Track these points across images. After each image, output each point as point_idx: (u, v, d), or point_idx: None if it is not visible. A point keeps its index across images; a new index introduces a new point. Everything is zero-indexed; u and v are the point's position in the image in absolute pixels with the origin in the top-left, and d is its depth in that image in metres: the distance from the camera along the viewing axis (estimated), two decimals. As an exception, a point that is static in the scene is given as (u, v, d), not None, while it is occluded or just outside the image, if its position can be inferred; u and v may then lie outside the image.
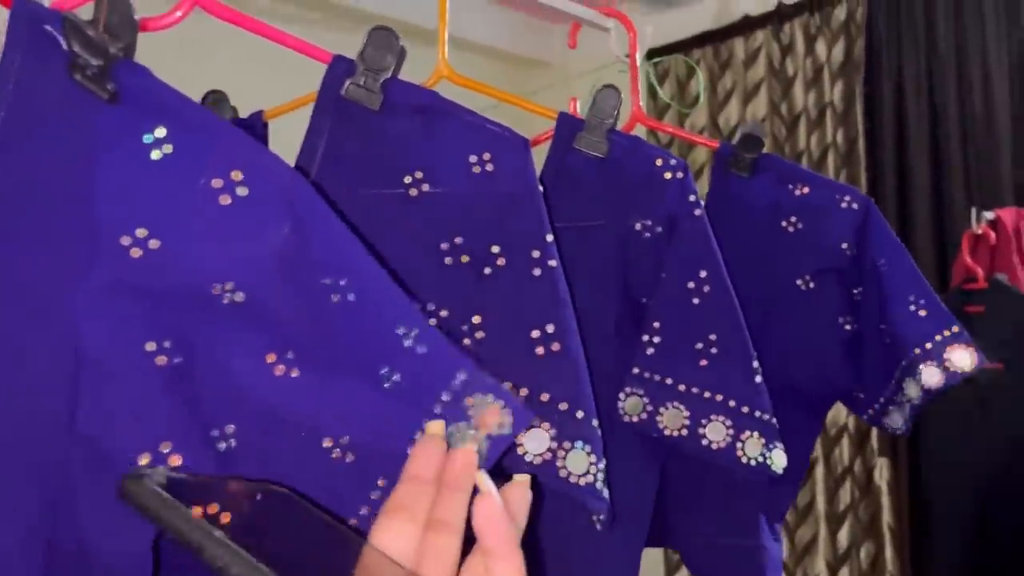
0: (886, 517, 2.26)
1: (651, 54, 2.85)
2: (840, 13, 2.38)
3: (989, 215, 1.55)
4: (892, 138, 2.30)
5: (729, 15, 2.64)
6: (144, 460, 0.41)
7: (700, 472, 0.75)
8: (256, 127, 0.78)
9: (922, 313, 0.82)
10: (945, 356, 0.80)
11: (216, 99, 0.77)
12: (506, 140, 0.55)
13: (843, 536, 2.33)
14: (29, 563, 0.42)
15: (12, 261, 0.43)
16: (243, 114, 0.75)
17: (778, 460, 0.66)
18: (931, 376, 0.80)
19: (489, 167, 0.53)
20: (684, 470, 0.77)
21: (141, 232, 0.42)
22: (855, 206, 0.84)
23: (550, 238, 0.53)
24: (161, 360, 0.42)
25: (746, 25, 2.58)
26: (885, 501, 2.26)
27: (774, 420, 0.67)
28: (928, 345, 0.81)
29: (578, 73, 3.19)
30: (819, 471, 2.38)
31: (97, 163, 0.43)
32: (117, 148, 0.43)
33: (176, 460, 0.41)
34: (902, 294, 0.82)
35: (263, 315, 0.42)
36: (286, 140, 0.61)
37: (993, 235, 1.53)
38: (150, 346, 0.42)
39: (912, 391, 0.82)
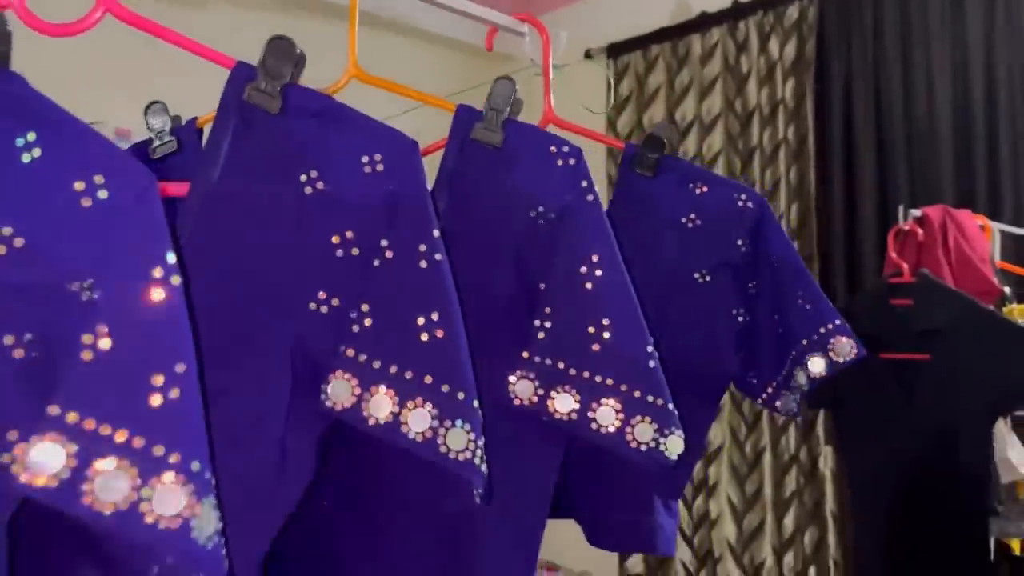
0: (829, 504, 2.34)
1: (612, 50, 2.91)
2: (793, 12, 2.43)
3: (916, 212, 1.61)
4: (840, 135, 2.36)
5: (687, 12, 2.69)
6: None
7: (597, 452, 0.77)
8: (191, 131, 0.83)
9: (808, 307, 0.89)
10: (829, 346, 0.88)
11: (157, 108, 0.82)
12: (396, 142, 0.59)
13: (788, 521, 2.41)
14: None
15: None
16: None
17: (673, 447, 0.66)
18: (816, 365, 0.88)
19: (380, 167, 0.57)
20: (583, 450, 0.79)
21: (7, 230, 0.45)
22: (751, 205, 0.89)
23: (436, 233, 0.57)
24: (17, 353, 0.45)
25: (703, 22, 2.64)
26: (828, 488, 2.34)
27: (670, 406, 0.67)
28: (815, 336, 0.88)
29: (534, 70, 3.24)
30: (767, 459, 2.45)
31: None
32: None
33: (19, 450, 0.43)
34: (792, 289, 0.89)
35: (100, 310, 0.44)
36: None
37: (920, 231, 1.59)
38: (8, 339, 0.45)
39: (801, 378, 0.89)
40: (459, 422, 0.56)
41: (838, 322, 0.90)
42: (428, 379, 0.56)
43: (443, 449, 0.56)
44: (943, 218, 1.58)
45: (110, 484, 0.42)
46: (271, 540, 0.58)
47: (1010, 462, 1.56)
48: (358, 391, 0.56)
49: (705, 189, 0.89)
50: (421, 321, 0.56)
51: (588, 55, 2.89)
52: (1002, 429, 1.60)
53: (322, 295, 0.57)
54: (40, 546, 0.49)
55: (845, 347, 0.89)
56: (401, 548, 0.69)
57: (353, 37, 0.72)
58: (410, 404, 0.56)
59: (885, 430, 1.56)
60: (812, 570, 2.36)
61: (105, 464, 0.42)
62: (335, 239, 0.57)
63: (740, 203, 0.89)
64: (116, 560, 0.48)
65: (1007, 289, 1.60)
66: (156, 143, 0.83)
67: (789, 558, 2.41)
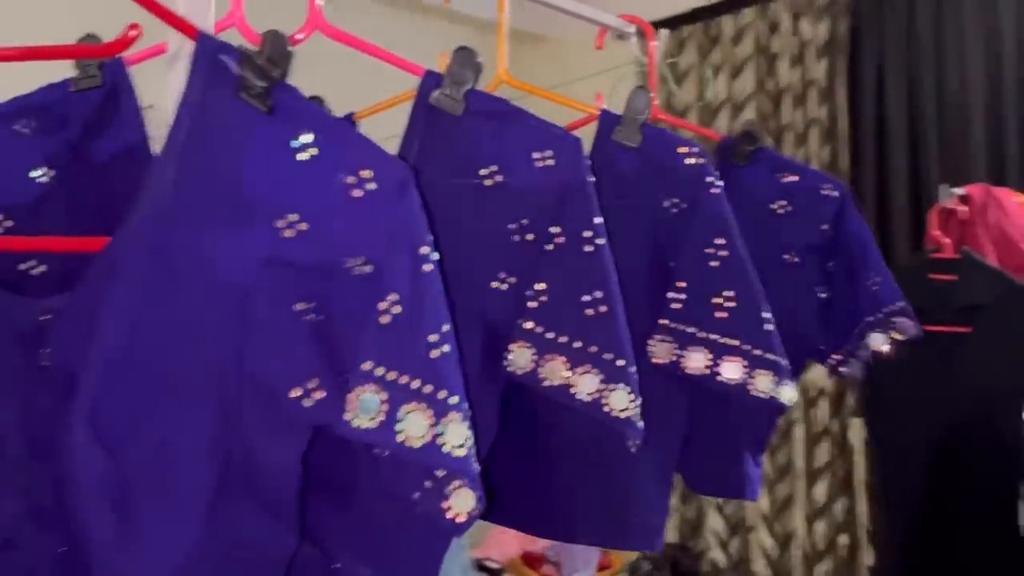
0: (860, 474, 2.42)
1: (641, 32, 2.96)
2: (825, -7, 2.48)
3: (959, 191, 1.67)
4: (872, 115, 2.41)
5: (718, -7, 2.73)
6: (296, 393, 0.54)
7: (699, 415, 0.89)
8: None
9: (875, 288, 1.01)
10: (892, 324, 1.01)
11: (316, 103, 0.88)
12: (564, 140, 0.67)
13: (819, 492, 2.49)
14: (212, 465, 0.54)
15: (193, 234, 0.54)
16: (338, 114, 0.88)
17: (787, 394, 0.80)
18: (878, 340, 1.02)
19: (550, 162, 0.66)
20: (693, 407, 0.91)
21: (293, 217, 0.54)
22: (834, 193, 1.00)
23: (599, 220, 0.66)
24: (307, 318, 0.54)
25: (735, 3, 2.68)
26: (859, 459, 2.42)
27: (784, 361, 0.80)
28: (879, 315, 1.01)
29: (576, 47, 3.28)
30: (798, 431, 2.52)
31: (255, 162, 0.54)
32: (271, 151, 0.54)
33: (320, 394, 0.54)
34: (863, 270, 1.01)
35: (382, 281, 0.54)
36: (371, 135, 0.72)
37: (964, 209, 1.65)
38: (299, 306, 0.54)
39: (863, 352, 1.03)
40: (621, 385, 0.66)
41: (902, 304, 1.02)
42: (594, 348, 0.66)
43: (607, 408, 0.66)
44: (984, 196, 1.64)
45: (415, 423, 0.52)
46: None
47: (1046, 429, 1.62)
48: (535, 358, 0.66)
49: (793, 178, 1.00)
50: (587, 299, 0.65)
51: (620, 36, 2.94)
52: (1040, 401, 1.66)
53: (502, 275, 0.67)
54: (324, 478, 0.58)
55: (907, 326, 1.02)
56: (567, 482, 0.81)
57: (502, 46, 0.80)
58: (579, 370, 0.66)
59: (921, 400, 1.62)
60: (843, 538, 2.45)
61: (410, 407, 0.52)
62: (512, 226, 0.66)
63: (825, 191, 1.00)
64: (365, 489, 0.59)
65: (1045, 265, 1.67)
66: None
67: (820, 527, 2.49)
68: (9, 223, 0.70)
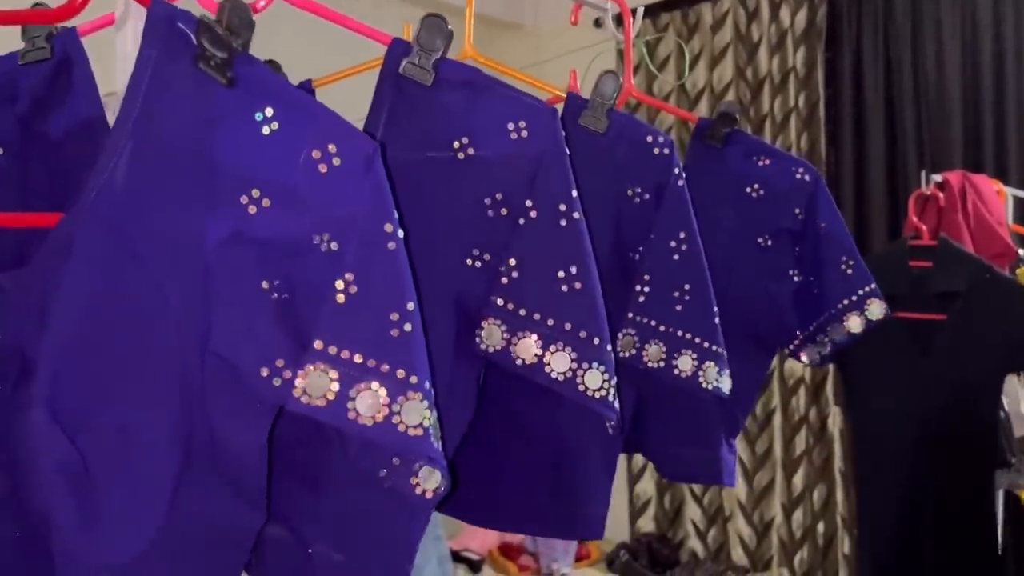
0: (837, 462, 2.43)
1: (621, 18, 2.94)
2: (803, -20, 2.47)
3: (937, 178, 1.67)
4: (850, 102, 2.42)
5: (697, -20, 2.72)
6: (264, 372, 0.52)
7: (671, 398, 0.89)
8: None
9: (849, 272, 1.01)
10: (865, 307, 1.01)
11: (272, 68, 0.84)
12: (538, 110, 0.65)
13: (798, 480, 2.50)
14: (175, 449, 0.53)
15: (152, 210, 0.52)
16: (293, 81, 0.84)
17: (725, 383, 0.81)
18: (854, 323, 1.02)
19: (524, 133, 0.63)
20: (659, 397, 0.90)
21: (256, 192, 0.52)
22: (807, 177, 0.99)
23: (574, 193, 0.63)
24: (273, 296, 0.53)
25: (714, -9, 2.67)
26: (837, 447, 2.43)
27: (724, 352, 0.81)
28: (853, 298, 1.01)
29: (549, 35, 3.26)
30: (777, 420, 2.53)
31: (216, 136, 0.52)
32: (233, 124, 0.52)
33: (288, 374, 0.52)
34: (836, 254, 1.00)
35: (343, 258, 0.52)
36: (341, 105, 0.70)
37: (942, 196, 1.65)
38: (264, 284, 0.53)
39: (837, 334, 1.02)
40: (596, 364, 0.64)
41: (873, 286, 1.03)
42: (568, 326, 0.64)
43: (581, 387, 0.64)
44: (962, 183, 1.64)
45: (368, 402, 0.51)
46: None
47: (1023, 416, 1.63)
48: (507, 336, 0.64)
49: (768, 162, 0.99)
50: (561, 274, 0.63)
51: (597, 23, 2.91)
52: (1016, 385, 1.67)
53: (475, 251, 0.64)
54: (290, 460, 0.56)
55: (878, 308, 1.03)
56: (516, 474, 0.81)
57: (469, 20, 0.77)
58: (552, 348, 0.64)
59: (897, 386, 1.62)
60: (820, 526, 2.46)
61: (363, 386, 0.51)
62: (487, 200, 0.64)
63: (798, 176, 0.99)
64: (335, 469, 0.57)
65: (1022, 251, 1.67)
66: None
67: (798, 515, 2.50)
68: None
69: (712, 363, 0.80)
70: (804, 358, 1.08)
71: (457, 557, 2.50)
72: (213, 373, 0.52)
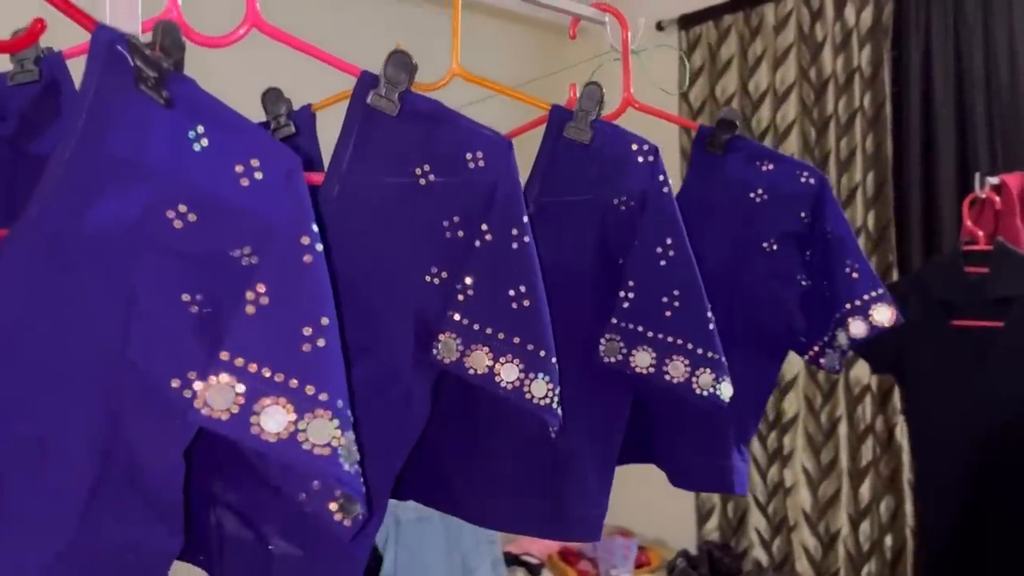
0: (906, 473, 2.35)
1: (683, 21, 2.93)
2: (869, -22, 2.41)
3: (993, 180, 1.61)
4: (918, 102, 2.34)
5: (760, -19, 2.68)
6: (175, 384, 0.53)
7: (680, 405, 0.89)
8: (307, 116, 0.93)
9: (855, 275, 0.98)
10: (870, 312, 0.97)
11: (275, 95, 0.91)
12: (494, 142, 0.68)
13: (865, 491, 2.43)
14: (92, 459, 0.54)
15: (85, 218, 0.54)
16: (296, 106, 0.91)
17: (725, 391, 0.80)
18: (858, 328, 0.98)
19: (481, 163, 0.67)
20: (667, 404, 0.92)
21: (183, 208, 0.54)
22: (812, 181, 0.98)
23: (526, 219, 0.67)
24: (193, 308, 0.54)
25: (776, -9, 2.63)
26: (905, 458, 2.35)
27: (723, 359, 0.80)
28: (857, 302, 0.98)
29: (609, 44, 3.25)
30: (842, 429, 2.47)
31: (151, 151, 0.54)
32: (168, 142, 0.54)
33: (199, 386, 0.52)
34: (842, 258, 0.98)
35: (258, 272, 0.53)
36: (332, 126, 0.75)
37: (998, 199, 1.59)
38: (185, 297, 0.54)
39: (842, 339, 0.99)
40: (541, 374, 0.67)
41: (881, 291, 0.99)
42: (516, 339, 0.67)
43: (528, 396, 0.67)
44: (1022, 186, 1.58)
45: (272, 417, 0.51)
46: (400, 466, 0.70)
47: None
48: (461, 348, 0.68)
49: (771, 167, 0.98)
50: (512, 292, 0.67)
51: (659, 27, 2.91)
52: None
53: (434, 269, 0.68)
54: (207, 471, 0.59)
55: (885, 313, 0.99)
56: (500, 466, 0.83)
57: (456, 40, 0.81)
58: (502, 359, 0.67)
59: (954, 396, 1.57)
60: (888, 539, 2.39)
61: (268, 401, 0.51)
62: (445, 223, 0.68)
63: (803, 179, 0.98)
64: (269, 488, 0.58)
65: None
66: (274, 126, 0.91)
67: (865, 527, 2.43)
68: None
69: (707, 369, 0.80)
70: (824, 363, 1.06)
71: (516, 561, 2.54)
72: (130, 384, 0.53)
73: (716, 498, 2.75)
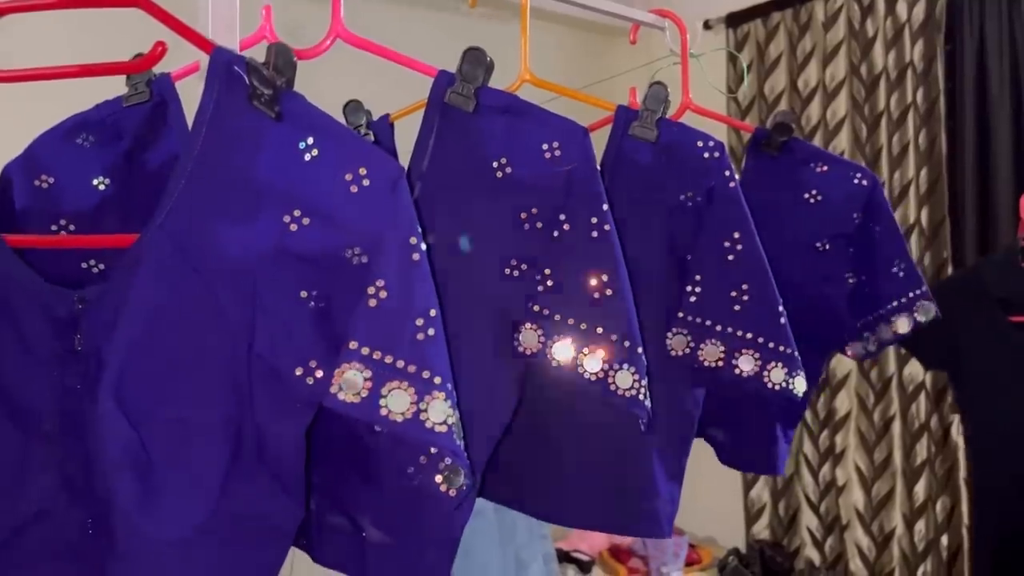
0: (962, 472, 2.32)
1: (731, 19, 2.92)
2: (921, -27, 2.39)
3: (1053, 175, 1.59)
4: (973, 97, 2.30)
5: (809, -22, 2.66)
6: (298, 372, 0.59)
7: (728, 393, 0.91)
8: (385, 126, 0.97)
9: (901, 275, 1.02)
10: (915, 309, 1.02)
11: (355, 106, 0.96)
12: (570, 131, 0.70)
13: (920, 490, 2.40)
14: (225, 442, 0.60)
15: (209, 227, 0.59)
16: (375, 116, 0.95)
17: (799, 385, 0.81)
18: (902, 324, 1.03)
19: (557, 152, 0.69)
20: (718, 392, 0.93)
21: (297, 212, 0.59)
22: (865, 182, 1.01)
23: (605, 207, 0.68)
24: (310, 304, 0.60)
25: (827, -13, 2.61)
26: (961, 457, 2.32)
27: (796, 353, 0.82)
28: (903, 300, 1.02)
29: (660, 47, 3.25)
30: (896, 427, 2.44)
31: (265, 163, 0.59)
32: (280, 152, 0.59)
33: (320, 373, 0.59)
34: (889, 257, 1.02)
35: (372, 269, 0.58)
36: (409, 134, 0.79)
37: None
38: (303, 294, 0.60)
39: (884, 333, 1.04)
40: (626, 365, 0.68)
41: (924, 289, 1.04)
42: (599, 330, 0.69)
43: (612, 387, 0.69)
44: (1082, 180, 1.55)
45: (398, 400, 0.57)
46: (487, 457, 0.73)
47: None
48: (543, 339, 0.69)
49: (825, 168, 1.01)
50: (594, 282, 0.68)
51: (707, 26, 2.90)
52: None
53: (513, 261, 0.71)
54: (327, 451, 0.64)
55: (929, 309, 1.04)
56: (577, 468, 0.85)
57: (525, 47, 0.83)
58: (586, 350, 0.69)
59: (1012, 393, 1.56)
60: (944, 539, 2.35)
61: (393, 384, 0.57)
62: (523, 215, 0.70)
63: (856, 181, 1.01)
64: (378, 463, 0.64)
65: None
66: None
67: (920, 526, 2.40)
68: (72, 227, 0.78)
69: (779, 363, 0.81)
70: (848, 351, 1.10)
71: (567, 558, 2.55)
72: (258, 373, 0.59)
73: (767, 496, 2.74)
